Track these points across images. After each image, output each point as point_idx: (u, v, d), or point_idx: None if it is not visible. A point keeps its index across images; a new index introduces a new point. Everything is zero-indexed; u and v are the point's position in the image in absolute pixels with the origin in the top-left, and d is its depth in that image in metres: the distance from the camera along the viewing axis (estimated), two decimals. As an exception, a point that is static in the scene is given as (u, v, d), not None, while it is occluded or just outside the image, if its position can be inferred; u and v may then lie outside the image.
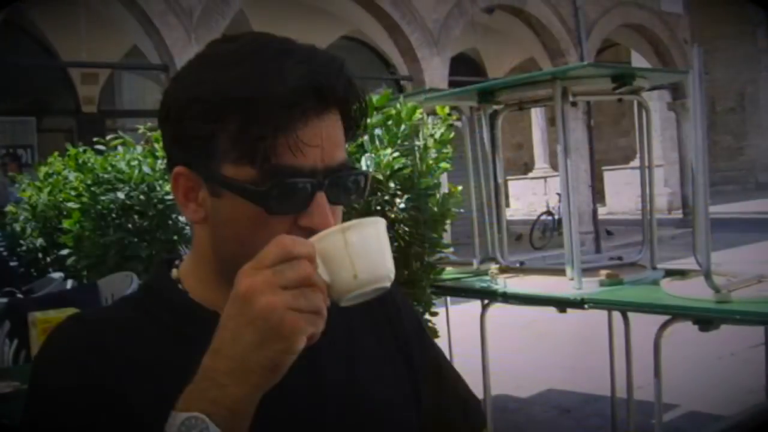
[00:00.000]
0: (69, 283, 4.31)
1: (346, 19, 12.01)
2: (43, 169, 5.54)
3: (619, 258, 3.93)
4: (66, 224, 4.23)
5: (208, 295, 0.86)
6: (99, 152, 4.49)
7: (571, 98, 3.45)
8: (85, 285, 4.13)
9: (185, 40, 9.11)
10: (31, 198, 5.46)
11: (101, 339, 0.81)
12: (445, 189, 3.54)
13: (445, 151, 3.27)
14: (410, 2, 11.36)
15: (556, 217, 13.50)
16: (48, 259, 5.12)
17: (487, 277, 3.75)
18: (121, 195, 4.03)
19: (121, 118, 14.37)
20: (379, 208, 3.02)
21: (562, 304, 3.25)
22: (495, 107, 3.91)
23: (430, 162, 3.21)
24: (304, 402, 0.85)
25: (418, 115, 3.19)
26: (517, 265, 3.89)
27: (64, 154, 5.00)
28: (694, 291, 2.89)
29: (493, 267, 3.78)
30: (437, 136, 3.24)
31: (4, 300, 4.00)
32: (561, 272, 3.42)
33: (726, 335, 3.19)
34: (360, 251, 0.73)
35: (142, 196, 4.04)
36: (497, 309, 3.79)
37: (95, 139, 4.62)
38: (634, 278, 3.40)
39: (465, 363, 2.63)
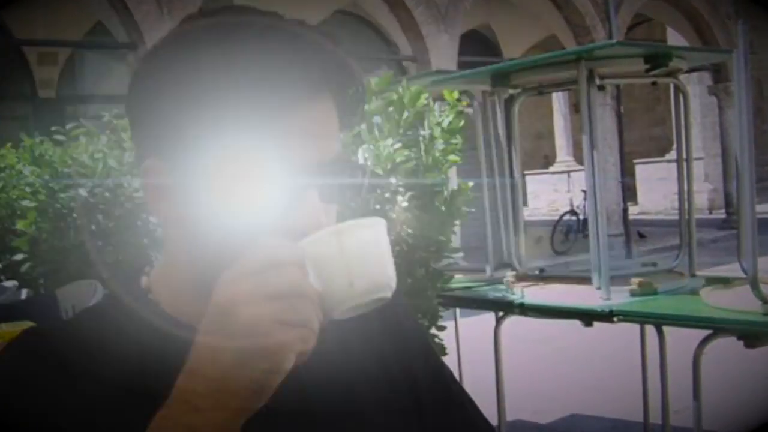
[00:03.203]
0: (23, 293, 4.31)
1: (340, -9, 12.02)
2: (-6, 163, 5.53)
3: (653, 264, 3.93)
4: (20, 225, 4.24)
5: (182, 306, 0.86)
6: (58, 143, 4.49)
7: (598, 81, 3.45)
8: (42, 295, 4.13)
9: (156, 14, 9.12)
10: (-20, 196, 5.45)
11: (61, 356, 0.81)
12: (454, 185, 3.54)
13: (454, 141, 3.27)
14: (414, -29, 11.38)
15: (581, 217, 13.53)
16: (-1, 266, 5.12)
17: (502, 286, 3.75)
18: (83, 192, 4.03)
19: (84, 104, 14.35)
20: (378, 207, 3.03)
21: (587, 317, 3.26)
22: (511, 92, 3.91)
23: (437, 154, 3.21)
24: (292, 428, 0.85)
25: (423, 100, 3.19)
26: (537, 272, 3.89)
27: (18, 145, 5.00)
28: (738, 302, 2.89)
29: (509, 274, 3.78)
30: (445, 124, 3.25)
31: (-50, 312, 4.00)
32: (587, 280, 3.42)
33: (775, 352, 3.20)
34: (357, 256, 0.73)
35: (107, 194, 4.04)
36: (513, 322, 3.79)
37: (54, 128, 4.63)
38: (670, 287, 3.40)
39: (476, 384, 2.63)
